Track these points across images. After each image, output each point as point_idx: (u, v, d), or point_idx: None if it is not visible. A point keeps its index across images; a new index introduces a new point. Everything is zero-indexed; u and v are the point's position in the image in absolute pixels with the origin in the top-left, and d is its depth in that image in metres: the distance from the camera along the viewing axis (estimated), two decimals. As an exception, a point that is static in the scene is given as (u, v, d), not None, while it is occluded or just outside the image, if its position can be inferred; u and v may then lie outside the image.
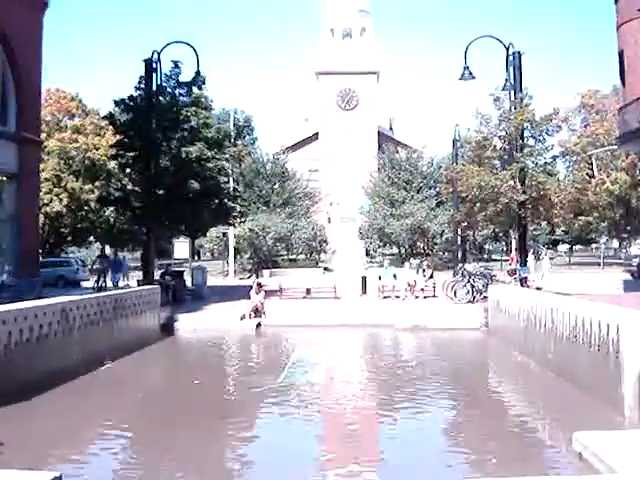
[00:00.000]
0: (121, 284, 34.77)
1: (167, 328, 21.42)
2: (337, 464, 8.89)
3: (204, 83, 28.60)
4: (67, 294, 19.25)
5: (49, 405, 11.91)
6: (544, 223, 39.61)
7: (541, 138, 25.20)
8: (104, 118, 34.51)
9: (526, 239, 26.28)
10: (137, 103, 27.46)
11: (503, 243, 64.14)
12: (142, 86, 27.09)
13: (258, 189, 64.30)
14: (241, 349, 20.34)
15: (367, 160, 73.01)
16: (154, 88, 26.75)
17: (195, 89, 28.60)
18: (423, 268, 30.82)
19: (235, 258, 51.26)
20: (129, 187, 29.99)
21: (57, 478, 6.62)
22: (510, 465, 8.72)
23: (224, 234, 51.49)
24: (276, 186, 65.23)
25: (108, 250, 59.12)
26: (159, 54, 26.42)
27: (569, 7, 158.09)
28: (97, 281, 33.49)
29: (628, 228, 65.87)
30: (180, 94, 28.41)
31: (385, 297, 27.98)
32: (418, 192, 61.78)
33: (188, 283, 30.13)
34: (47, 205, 53.21)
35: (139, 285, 26.39)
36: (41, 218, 41.53)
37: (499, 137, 25.11)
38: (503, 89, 25.11)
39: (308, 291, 29.04)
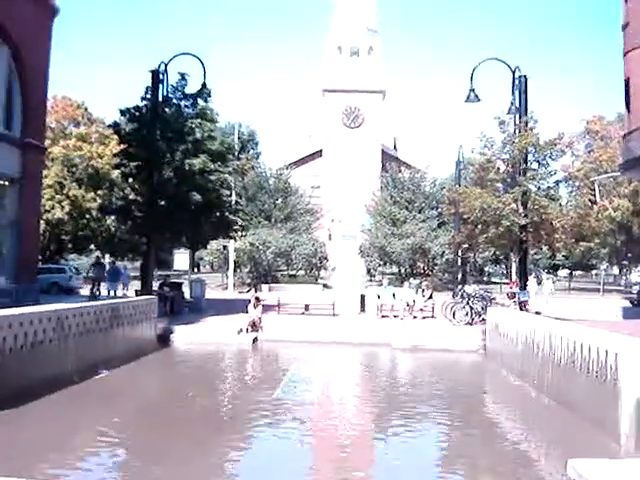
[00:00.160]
0: (119, 293, 34.65)
1: (163, 339, 21.33)
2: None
3: (210, 95, 28.63)
4: (62, 302, 19.19)
5: (41, 413, 11.82)
6: (545, 247, 39.56)
7: (545, 162, 25.16)
8: (109, 127, 34.51)
9: (527, 263, 26.20)
10: (142, 113, 27.48)
11: (503, 266, 64.02)
12: (148, 96, 27.10)
13: (260, 203, 64.31)
14: (237, 363, 20.24)
15: (370, 178, 73.05)
16: (160, 99, 26.77)
17: (201, 101, 28.62)
18: (422, 288, 30.74)
19: (235, 272, 51.19)
20: (131, 197, 29.94)
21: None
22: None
23: (224, 247, 51.47)
24: (278, 201, 65.25)
25: (108, 259, 59.06)
26: (166, 65, 26.47)
27: (577, 33, 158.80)
28: (92, 289, 33.39)
29: (629, 255, 65.87)
30: (186, 106, 28.43)
31: (383, 316, 27.90)
32: (420, 212, 61.82)
33: (187, 295, 30.03)
34: (49, 212, 53.20)
35: (137, 295, 26.31)
36: (42, 224, 41.50)
37: (503, 160, 25.10)
38: (508, 112, 25.11)
39: (307, 307, 28.97)
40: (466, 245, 29.55)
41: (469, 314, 25.56)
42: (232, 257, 49.20)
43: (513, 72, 24.84)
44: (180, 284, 30.62)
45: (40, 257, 41.12)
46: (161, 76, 26.43)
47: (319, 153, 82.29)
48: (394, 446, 11.12)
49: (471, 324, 24.95)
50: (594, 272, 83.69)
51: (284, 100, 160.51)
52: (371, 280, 57.68)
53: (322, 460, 10.47)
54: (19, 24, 24.35)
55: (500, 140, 24.94)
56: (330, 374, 18.17)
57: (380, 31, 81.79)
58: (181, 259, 46.67)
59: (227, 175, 31.18)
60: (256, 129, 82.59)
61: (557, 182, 27.31)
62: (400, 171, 69.01)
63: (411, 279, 48.46)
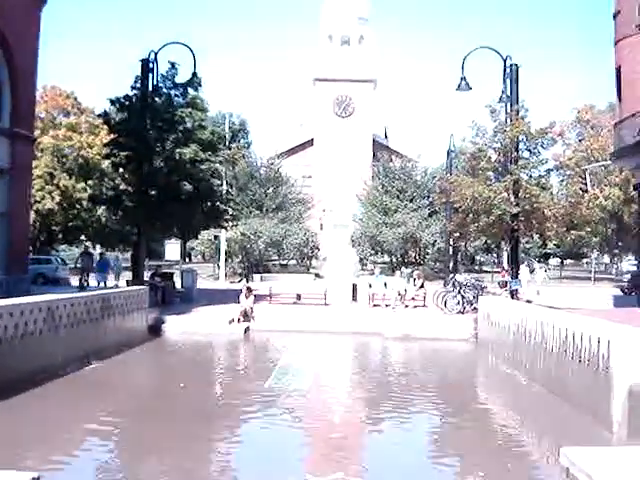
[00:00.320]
0: (110, 284, 34.47)
1: (155, 330, 21.27)
2: (320, 472, 8.77)
3: (200, 85, 28.48)
4: (50, 292, 19.09)
5: (31, 405, 11.77)
6: (536, 236, 39.61)
7: (536, 151, 25.14)
8: (99, 116, 34.32)
9: (518, 252, 26.20)
10: (132, 102, 27.34)
11: (494, 255, 64.18)
12: (138, 85, 26.96)
13: (251, 193, 64.17)
14: (228, 353, 20.22)
15: (361, 168, 73.03)
16: (150, 88, 26.63)
17: (191, 90, 28.48)
18: (414, 277, 30.71)
19: (226, 261, 51.10)
20: (122, 187, 29.84)
21: (35, 479, 6.50)
22: (496, 479, 8.62)
23: (216, 237, 51.36)
24: (269, 191, 65.13)
25: (99, 249, 58.89)
26: (156, 54, 26.33)
27: (568, 21, 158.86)
28: (80, 280, 33.12)
29: (620, 244, 66.08)
30: (176, 95, 28.28)
31: (375, 305, 27.89)
32: (411, 201, 61.80)
33: (178, 285, 29.97)
34: (39, 202, 52.99)
35: (128, 285, 26.24)
36: (32, 215, 41.33)
37: (494, 149, 25.06)
38: (499, 101, 25.06)
39: (298, 297, 28.95)
40: (457, 234, 29.54)
41: (460, 303, 25.57)
42: (223, 247, 49.08)
43: (504, 61, 24.78)
44: (171, 274, 30.57)
45: (30, 248, 40.94)
46: (151, 65, 26.30)
47: (310, 142, 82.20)
48: (386, 434, 11.11)
49: (463, 313, 24.96)
50: (585, 261, 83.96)
51: (275, 89, 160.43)
52: (363, 269, 57.67)
53: (314, 449, 10.45)
54: (7, 13, 24.12)
55: (491, 129, 24.89)
56: (322, 363, 18.16)
57: (371, 20, 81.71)
58: (172, 249, 46.67)
59: (218, 165, 31.11)
60: (247, 118, 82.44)
61: (548, 171, 27.30)
62: (391, 160, 68.95)
63: (402, 268, 48.52)
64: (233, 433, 10.95)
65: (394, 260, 59.73)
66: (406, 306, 27.46)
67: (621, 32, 28.35)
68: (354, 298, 29.99)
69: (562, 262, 77.08)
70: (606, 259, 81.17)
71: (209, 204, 29.26)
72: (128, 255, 57.74)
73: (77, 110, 63.03)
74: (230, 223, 38.60)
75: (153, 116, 26.59)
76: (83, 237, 61.59)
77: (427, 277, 34.08)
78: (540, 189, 25.27)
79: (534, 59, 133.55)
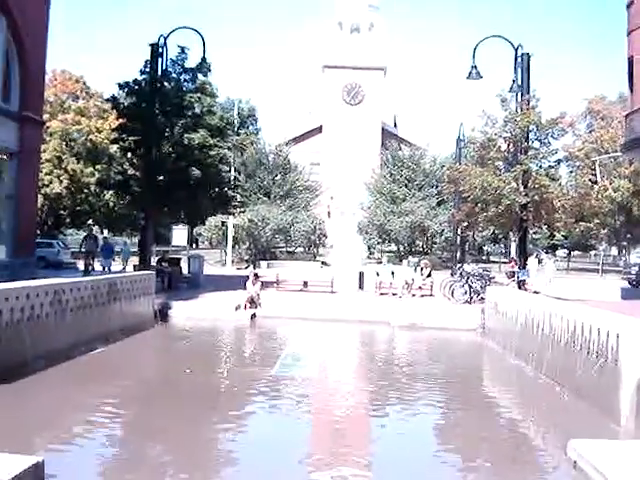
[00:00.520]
0: (115, 269, 34.31)
1: (161, 315, 21.24)
2: (324, 460, 8.73)
3: (209, 70, 28.41)
4: (55, 276, 19.08)
5: (37, 389, 11.76)
6: (544, 227, 39.47)
7: (546, 141, 25.03)
8: (107, 101, 34.26)
9: (526, 242, 26.11)
10: (141, 87, 27.27)
11: (502, 245, 64.02)
12: (147, 70, 26.87)
13: (259, 180, 64.12)
14: (235, 339, 20.20)
15: (369, 156, 72.84)
16: (159, 73, 26.52)
17: (200, 76, 28.41)
18: (421, 266, 30.62)
19: (233, 248, 51.15)
20: (130, 171, 29.82)
21: (39, 463, 6.46)
22: (503, 471, 8.57)
23: (223, 223, 51.38)
24: (277, 178, 65.06)
25: (106, 234, 58.97)
26: (165, 39, 26.18)
27: (580, 11, 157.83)
28: (85, 263, 32.91)
29: (628, 236, 65.81)
30: (185, 80, 28.24)
31: (382, 294, 27.84)
32: (419, 190, 61.71)
33: (185, 271, 29.96)
34: (47, 186, 53.11)
35: (135, 270, 26.23)
36: (40, 199, 41.39)
37: (504, 138, 24.94)
38: (510, 90, 24.92)
39: (305, 284, 28.95)
40: (465, 224, 29.49)
41: (468, 293, 25.53)
42: (231, 233, 49.10)
43: (516, 50, 24.62)
44: (178, 260, 30.56)
45: (38, 231, 41.00)
46: (160, 49, 26.15)
47: (319, 130, 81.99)
48: (391, 424, 11.05)
49: (470, 303, 24.91)
50: (592, 253, 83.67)
51: (284, 76, 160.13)
52: (370, 258, 57.64)
53: (319, 436, 10.41)
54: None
55: (502, 118, 24.76)
56: (328, 351, 18.12)
57: (381, 7, 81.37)
58: (179, 235, 46.50)
59: (226, 150, 31.07)
60: (256, 105, 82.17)
61: (558, 161, 27.18)
62: (400, 149, 68.79)
63: (410, 257, 48.47)
64: (238, 419, 10.90)
65: (401, 249, 59.69)
66: (413, 295, 27.40)
67: (634, 22, 28.03)
68: (361, 286, 29.97)
69: (569, 254, 76.84)
70: (614, 251, 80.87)
71: (217, 190, 29.24)
72: (136, 240, 57.91)
73: (86, 94, 63.10)
74: (238, 209, 38.58)
75: (162, 101, 26.50)
76: (91, 221, 61.68)
77: (434, 266, 33.96)
78: (550, 180, 25.16)
79: (545, 48, 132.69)
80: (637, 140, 27.10)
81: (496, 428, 10.73)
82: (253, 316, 22.05)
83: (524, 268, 24.59)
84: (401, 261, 41.90)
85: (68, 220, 63.56)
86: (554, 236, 67.15)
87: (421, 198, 59.54)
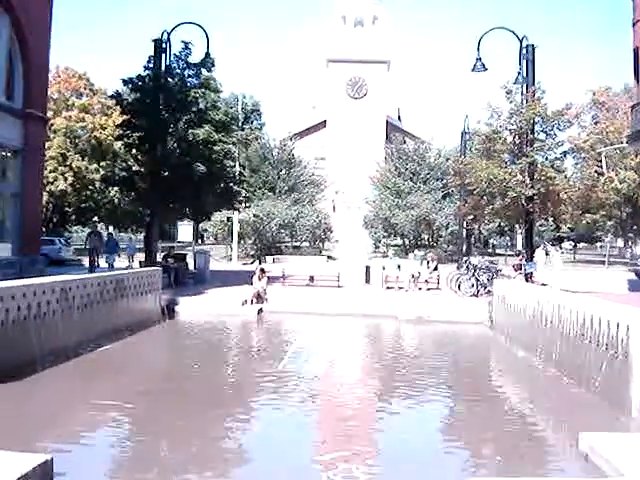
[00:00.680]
0: (119, 265, 34.27)
1: (168, 311, 21.20)
2: (334, 454, 8.68)
3: (213, 65, 28.36)
4: (60, 273, 19.03)
5: (45, 386, 11.75)
6: (550, 219, 39.39)
7: (552, 133, 24.96)
8: (111, 97, 34.23)
9: (533, 234, 26.05)
10: (145, 83, 27.21)
11: (508, 238, 63.93)
12: (151, 66, 26.83)
13: (264, 175, 64.09)
14: (241, 335, 20.16)
15: (374, 149, 72.76)
16: (163, 68, 26.50)
17: (204, 71, 28.35)
18: (428, 260, 30.55)
19: (239, 243, 51.17)
20: (134, 168, 29.79)
21: (48, 461, 6.42)
22: (514, 464, 8.50)
23: (228, 219, 51.39)
24: (282, 172, 65.04)
25: (112, 230, 59.00)
26: (169, 34, 26.17)
27: (585, 2, 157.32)
28: (90, 260, 32.85)
29: (634, 227, 65.65)
30: (189, 75, 28.18)
31: (388, 288, 27.79)
32: (425, 183, 61.61)
33: (191, 267, 29.94)
34: (52, 183, 53.18)
35: (141, 266, 26.21)
36: (45, 196, 41.40)
37: (509, 130, 24.87)
38: (515, 82, 24.87)
39: (311, 279, 28.94)
40: (471, 216, 29.42)
41: (475, 286, 25.45)
42: (236, 229, 49.12)
43: (520, 41, 24.57)
44: (184, 255, 30.55)
45: (44, 229, 41.01)
46: (164, 45, 26.15)
47: (323, 124, 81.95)
48: (399, 418, 11.00)
49: (477, 296, 24.84)
50: (598, 244, 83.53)
51: (288, 71, 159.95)
52: (375, 252, 57.60)
53: (327, 432, 10.36)
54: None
55: (507, 110, 24.69)
56: (335, 346, 18.05)
57: (385, 0, 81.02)
58: (185, 231, 46.61)
59: (231, 146, 31.01)
60: (260, 100, 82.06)
61: (564, 153, 27.09)
62: (404, 142, 68.71)
63: (416, 251, 48.39)
64: (246, 415, 10.87)
65: (407, 242, 59.62)
66: (419, 289, 27.35)
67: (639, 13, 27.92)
68: (367, 280, 29.94)
69: (575, 246, 76.71)
70: (620, 243, 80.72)
71: (222, 185, 29.18)
72: (141, 237, 57.96)
73: (90, 91, 63.11)
74: (243, 204, 38.56)
75: (166, 97, 26.48)
76: (96, 218, 61.76)
77: (440, 260, 33.91)
78: (555, 172, 25.10)
79: (549, 40, 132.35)
80: (643, 131, 26.99)
81: (505, 421, 10.66)
82: (260, 311, 22.01)
83: (531, 260, 24.52)
84: (407, 255, 41.85)
85: (73, 217, 63.64)
86: (560, 228, 67.04)
87: (426, 191, 59.44)
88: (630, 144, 34.62)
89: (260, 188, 61.43)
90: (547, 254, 23.28)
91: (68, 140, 57.32)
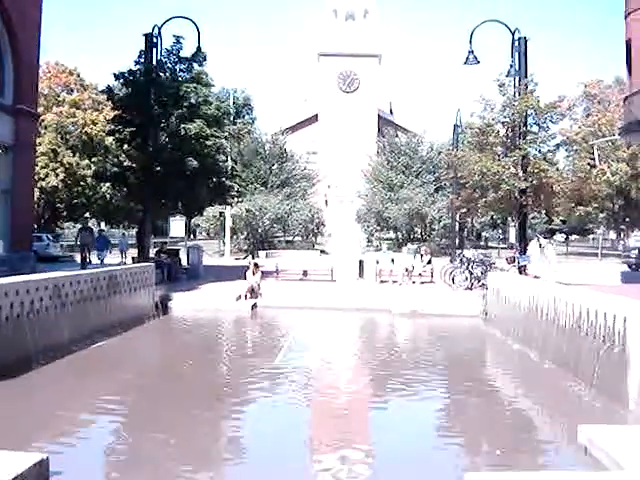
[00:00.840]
0: (110, 262, 34.04)
1: (161, 307, 21.13)
2: (330, 447, 8.67)
3: (205, 59, 28.23)
4: (50, 270, 18.95)
5: (38, 383, 11.68)
6: (543, 212, 39.41)
7: (545, 126, 24.94)
8: (102, 92, 34.09)
9: (526, 227, 26.04)
10: (136, 78, 27.06)
11: (500, 231, 63.98)
12: (142, 60, 26.69)
13: (256, 169, 63.91)
14: (236, 330, 20.09)
15: (366, 143, 72.74)
16: (154, 63, 26.37)
17: (196, 65, 28.23)
18: (421, 253, 30.50)
19: (231, 238, 51.06)
20: (126, 163, 29.66)
21: (43, 460, 6.36)
22: (513, 457, 8.46)
23: (221, 214, 51.31)
24: (274, 167, 64.86)
25: (103, 226, 58.81)
26: (160, 29, 26.05)
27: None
28: (82, 257, 32.61)
29: (627, 219, 65.82)
30: (180, 70, 28.04)
31: (382, 282, 27.77)
32: (417, 177, 61.60)
33: (184, 262, 29.86)
34: (43, 180, 52.93)
35: (134, 262, 26.11)
36: (36, 192, 41.20)
37: (502, 123, 24.84)
38: (507, 75, 24.83)
39: (305, 273, 28.91)
40: (464, 210, 29.38)
41: (468, 279, 25.42)
42: (228, 224, 49.03)
43: (512, 34, 24.53)
44: (177, 251, 30.47)
45: (35, 225, 40.82)
46: (155, 39, 26.03)
47: (315, 118, 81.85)
48: (394, 412, 10.97)
49: (471, 289, 24.82)
50: (591, 237, 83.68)
51: (279, 65, 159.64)
52: (369, 245, 57.59)
53: (322, 426, 10.32)
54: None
55: (500, 103, 24.66)
56: (330, 340, 18.02)
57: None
58: (177, 226, 46.46)
59: (223, 140, 30.92)
60: (251, 94, 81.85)
61: (557, 146, 27.10)
62: (397, 136, 68.66)
63: (409, 244, 48.41)
64: (242, 410, 10.82)
65: (400, 236, 59.63)
66: (413, 282, 27.33)
67: (632, 4, 27.90)
68: (361, 274, 29.89)
69: (567, 238, 76.80)
70: (612, 235, 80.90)
71: (214, 180, 29.10)
72: (133, 232, 57.80)
73: (80, 87, 62.81)
74: (235, 199, 38.43)
75: (158, 91, 26.36)
76: (88, 214, 61.51)
77: (433, 253, 33.88)
78: (548, 164, 25.09)
79: (540, 33, 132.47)
80: (635, 123, 27.00)
81: (503, 415, 10.63)
82: (254, 306, 21.95)
83: (524, 253, 24.51)
84: (400, 248, 41.86)
85: (65, 213, 63.38)
86: (552, 221, 67.14)
87: (419, 185, 59.43)
88: (622, 136, 34.68)
89: (252, 183, 61.26)
90: (541, 247, 23.25)
91: (59, 136, 57.07)
